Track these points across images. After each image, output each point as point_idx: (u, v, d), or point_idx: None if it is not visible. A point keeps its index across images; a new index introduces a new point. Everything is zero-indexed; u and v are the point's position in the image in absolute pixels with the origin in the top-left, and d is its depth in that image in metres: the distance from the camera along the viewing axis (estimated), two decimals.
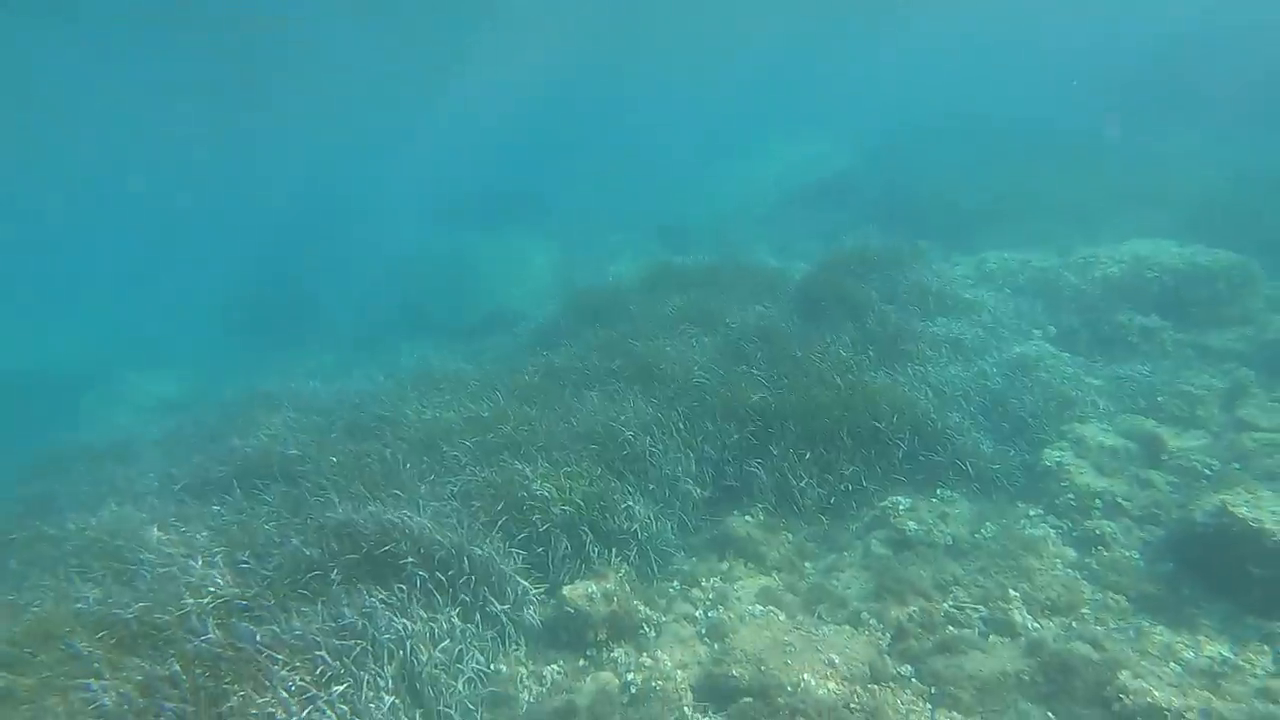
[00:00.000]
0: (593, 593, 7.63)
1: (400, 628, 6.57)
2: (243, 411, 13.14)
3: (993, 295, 13.16)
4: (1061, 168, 20.56)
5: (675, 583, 8.37)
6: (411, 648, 6.54)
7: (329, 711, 5.69)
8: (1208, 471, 8.68)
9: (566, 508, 8.20)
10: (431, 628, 6.83)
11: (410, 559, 7.15)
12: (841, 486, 9.05)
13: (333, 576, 6.96)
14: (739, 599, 7.91)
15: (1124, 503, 8.43)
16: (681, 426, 9.59)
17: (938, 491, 9.09)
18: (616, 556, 8.27)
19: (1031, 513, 8.67)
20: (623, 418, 9.54)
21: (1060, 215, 16.99)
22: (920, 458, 9.32)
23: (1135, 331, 11.65)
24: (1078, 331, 12.24)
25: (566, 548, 8.06)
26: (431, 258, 26.26)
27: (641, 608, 7.73)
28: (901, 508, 8.70)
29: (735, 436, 9.54)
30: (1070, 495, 8.63)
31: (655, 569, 8.46)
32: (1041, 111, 29.58)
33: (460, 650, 6.90)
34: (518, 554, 7.85)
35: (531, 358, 12.91)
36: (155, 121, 45.63)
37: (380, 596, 6.81)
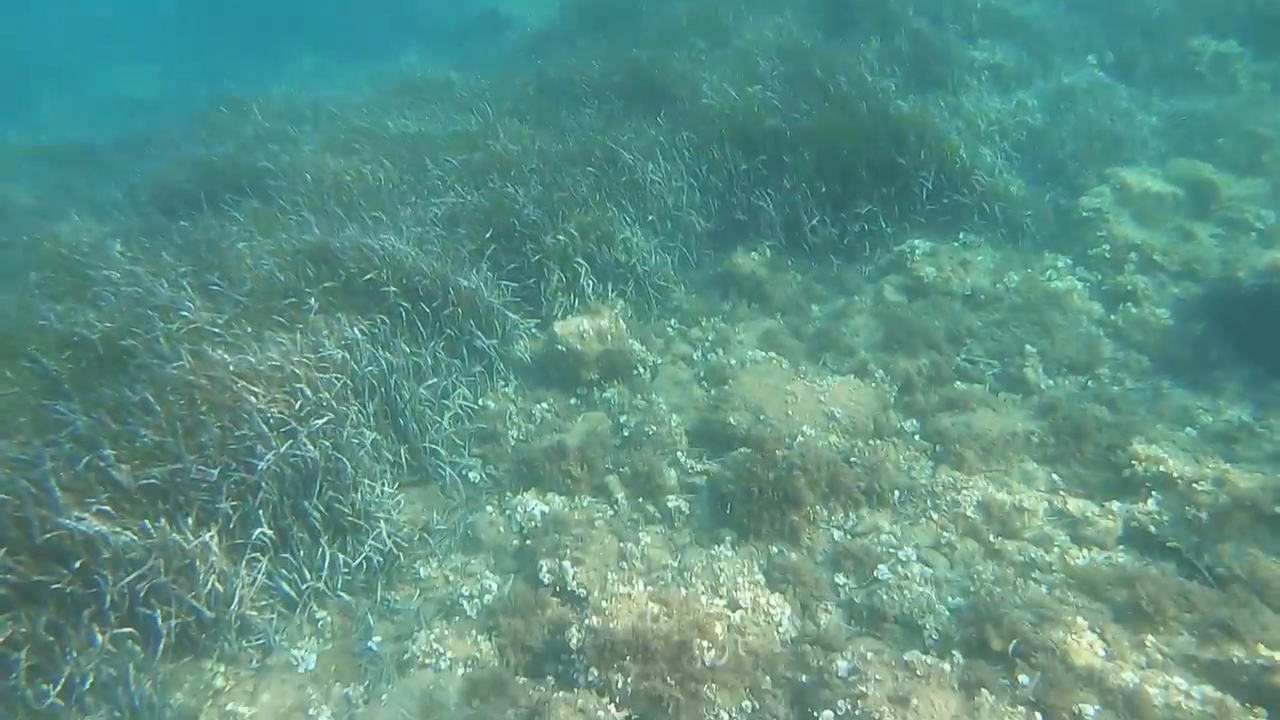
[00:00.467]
0: (585, 330, 7.29)
1: (383, 362, 6.27)
2: (210, 117, 12.16)
3: (1045, 11, 11.68)
4: None
5: (673, 321, 8.04)
6: (396, 383, 6.29)
7: (310, 445, 5.49)
8: (1259, 225, 8.06)
9: (560, 237, 7.66)
10: (415, 362, 6.54)
11: (393, 288, 6.72)
12: (856, 226, 8.45)
13: (310, 304, 6.54)
14: (740, 342, 7.59)
15: (1161, 257, 7.90)
16: (687, 153, 8.80)
17: (960, 236, 8.52)
18: (613, 292, 7.89)
19: (1060, 263, 8.14)
20: (624, 139, 8.73)
21: None
22: (944, 198, 8.63)
23: (1206, 60, 10.43)
24: (1138, 57, 10.94)
25: (560, 280, 7.64)
26: None
27: (637, 346, 7.43)
28: (919, 252, 8.18)
29: (744, 166, 8.79)
30: (1105, 246, 8.07)
31: (653, 306, 8.10)
32: None
33: (445, 386, 6.68)
34: (507, 286, 7.43)
35: (525, 67, 11.76)
36: None
37: (361, 327, 6.44)
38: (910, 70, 9.96)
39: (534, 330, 7.58)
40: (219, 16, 29.68)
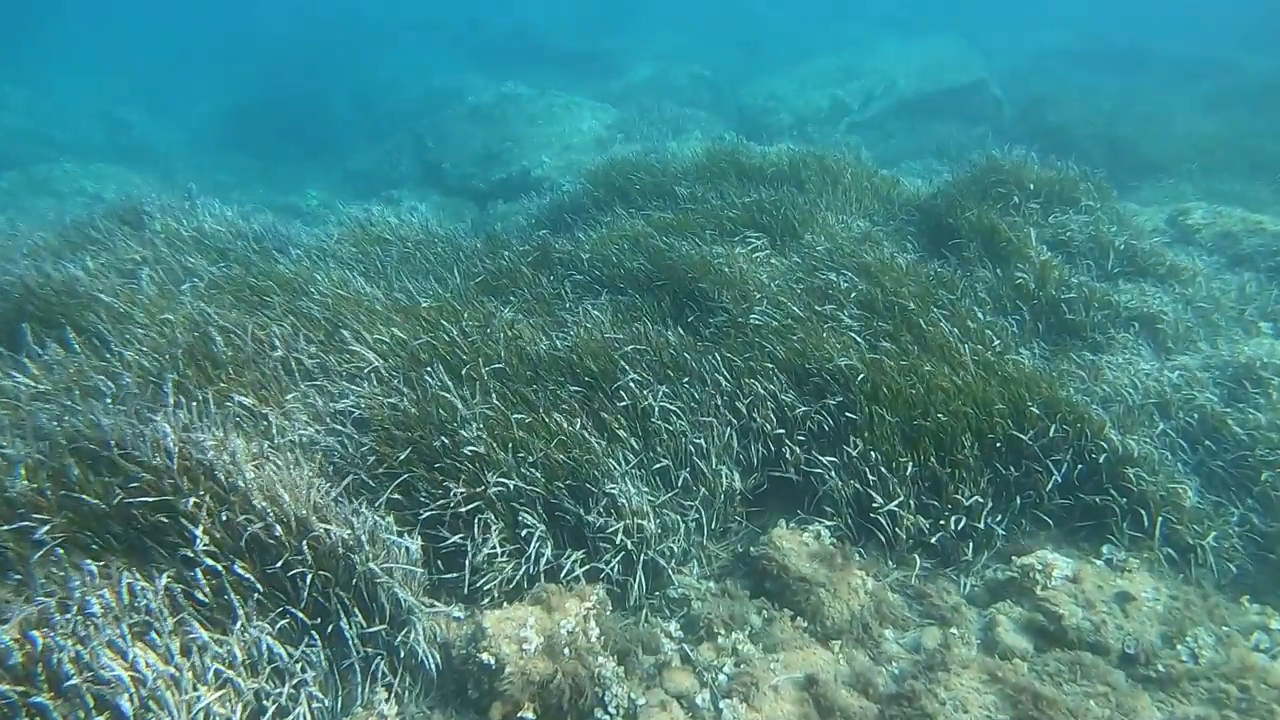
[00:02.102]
0: (528, 634, 4.70)
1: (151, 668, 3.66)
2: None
3: (1202, 263, 9.64)
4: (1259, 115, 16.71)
5: (675, 625, 5.43)
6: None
7: None
8: None
9: (512, 479, 5.21)
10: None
11: (199, 530, 4.20)
12: (955, 519, 5.93)
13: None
14: (774, 688, 4.90)
15: None
16: (723, 380, 6.46)
17: (1104, 552, 5.96)
18: (583, 565, 5.35)
19: (1274, 624, 5.49)
20: (630, 351, 6.44)
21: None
22: (1081, 495, 6.16)
23: None
24: None
25: (502, 542, 5.12)
26: (460, 102, 22.91)
27: (609, 669, 4.77)
28: (1056, 575, 5.58)
29: (801, 410, 6.42)
30: None
31: (646, 594, 5.52)
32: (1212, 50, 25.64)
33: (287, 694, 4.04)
34: (416, 545, 4.90)
35: (530, 236, 9.78)
36: None
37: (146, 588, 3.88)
38: (1035, 312, 7.74)
39: (456, 614, 5.03)
40: (252, 135, 29.66)
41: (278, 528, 4.23)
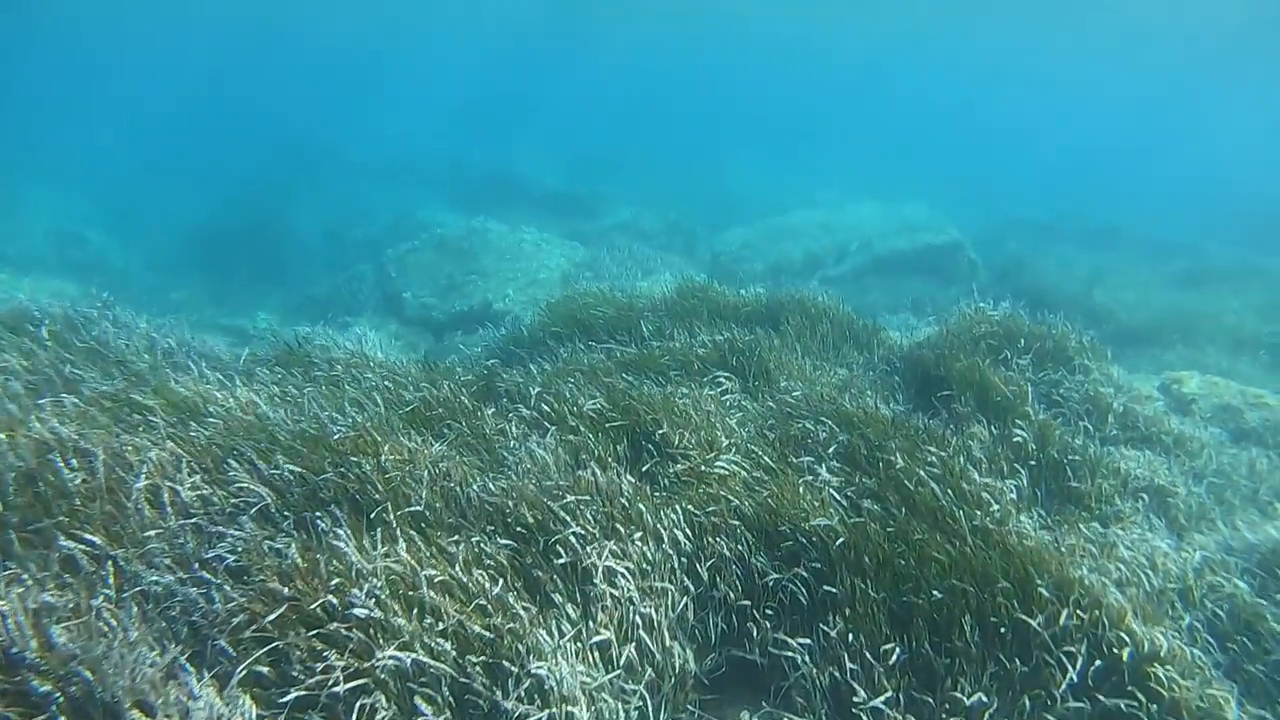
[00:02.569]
0: None
1: None
2: None
3: (1201, 433, 8.99)
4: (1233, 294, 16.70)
5: None
6: None
7: None
8: None
9: (414, 653, 4.19)
10: None
11: None
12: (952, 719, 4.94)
13: None
14: None
15: None
16: (682, 537, 5.53)
17: None
18: None
19: None
20: (569, 502, 5.51)
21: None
22: (1100, 698, 5.20)
23: None
24: None
25: None
26: (427, 233, 22.59)
27: None
28: None
29: (772, 578, 5.49)
30: None
31: None
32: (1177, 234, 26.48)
33: None
34: None
35: (476, 366, 8.98)
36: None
37: None
38: (1035, 476, 6.97)
39: None
40: (214, 257, 29.26)
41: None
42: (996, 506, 6.21)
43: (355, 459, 5.47)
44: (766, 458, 6.65)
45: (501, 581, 4.79)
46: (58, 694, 3.20)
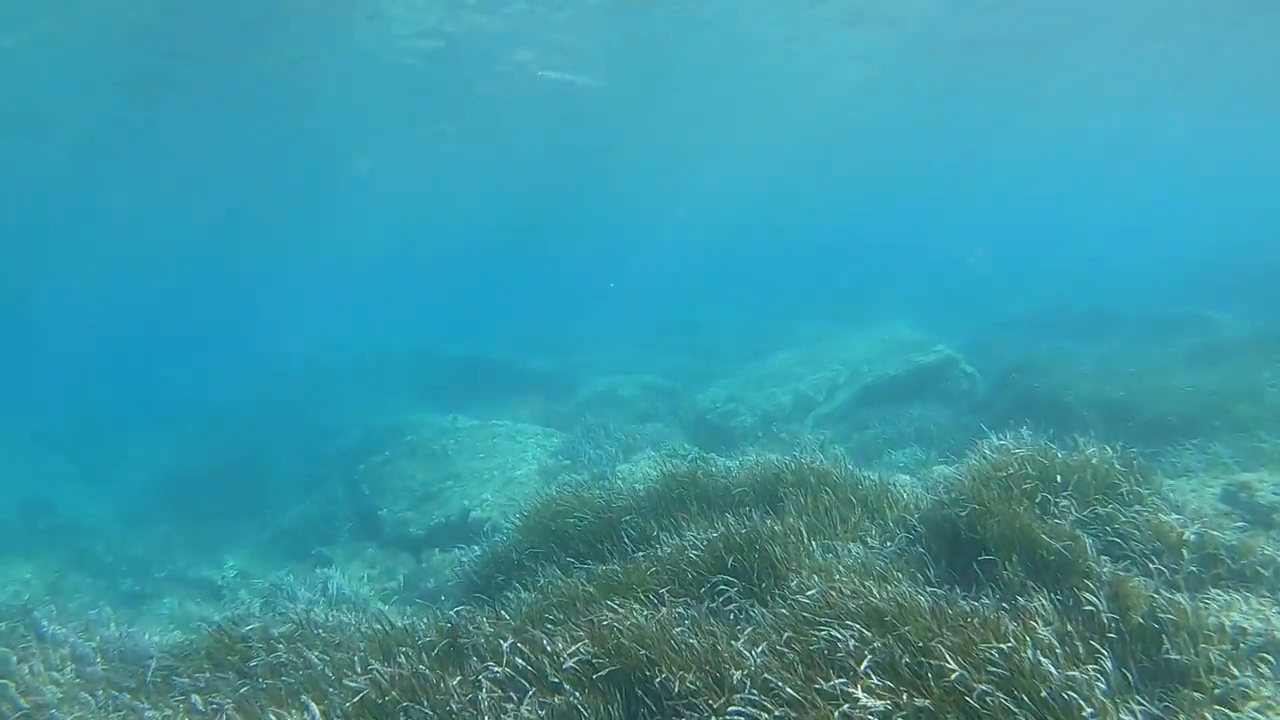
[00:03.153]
0: None
1: None
2: None
3: None
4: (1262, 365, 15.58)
5: None
6: None
7: None
8: None
9: None
10: None
11: None
12: None
13: None
14: None
15: None
16: None
17: None
18: None
19: None
20: None
21: None
22: None
23: None
24: None
25: None
26: (399, 441, 21.66)
27: None
28: None
29: None
30: None
31: None
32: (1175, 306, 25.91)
33: None
34: None
35: (446, 610, 7.76)
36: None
37: None
38: (1120, 653, 5.70)
39: None
40: (186, 499, 28.41)
41: None
42: (1089, 711, 4.95)
43: None
44: (789, 687, 5.41)
45: None
46: None
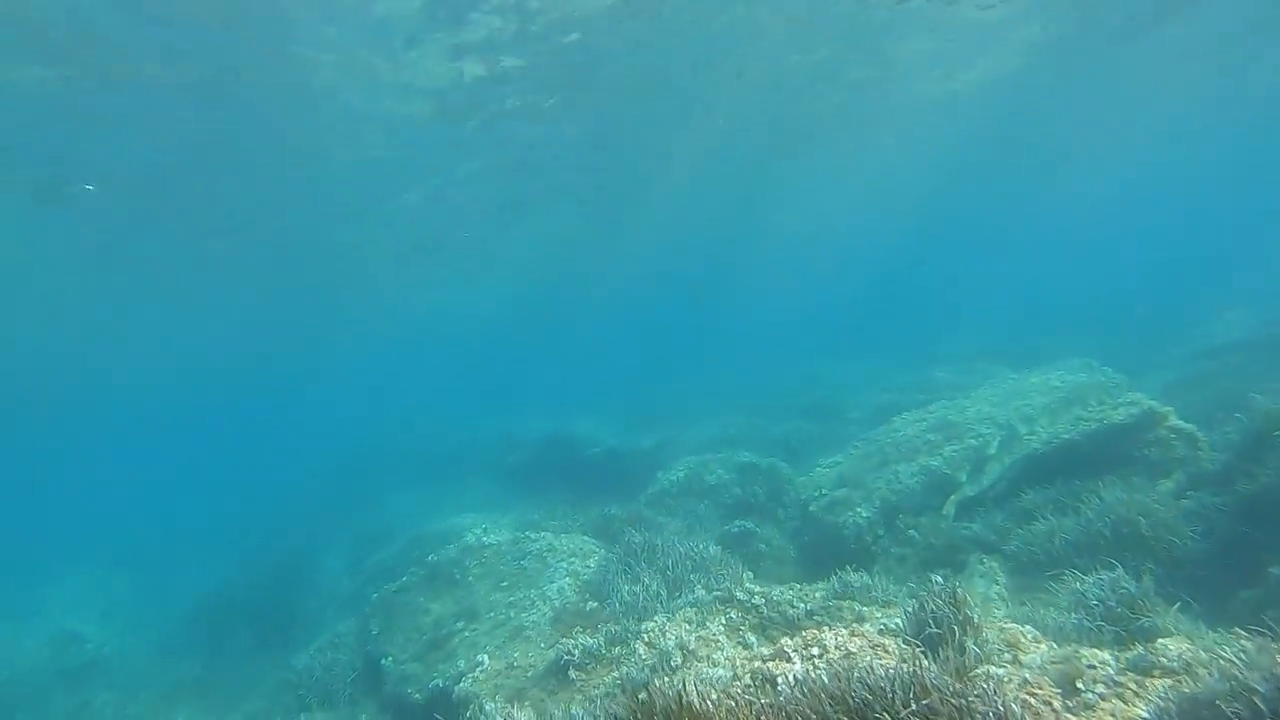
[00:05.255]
0: None
1: None
2: None
3: None
4: None
5: None
6: None
7: None
8: None
9: None
10: None
11: None
12: None
13: None
14: None
15: None
16: None
17: None
18: None
19: None
20: None
21: None
22: None
23: None
24: None
25: None
26: (420, 570, 17.56)
27: None
28: None
29: None
30: None
31: None
32: None
33: None
34: None
35: None
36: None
37: None
38: None
39: None
40: (213, 630, 25.33)
41: None
42: None
43: None
44: None
45: None
46: None
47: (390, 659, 14.53)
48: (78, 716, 19.83)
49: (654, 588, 11.75)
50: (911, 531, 13.77)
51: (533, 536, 15.76)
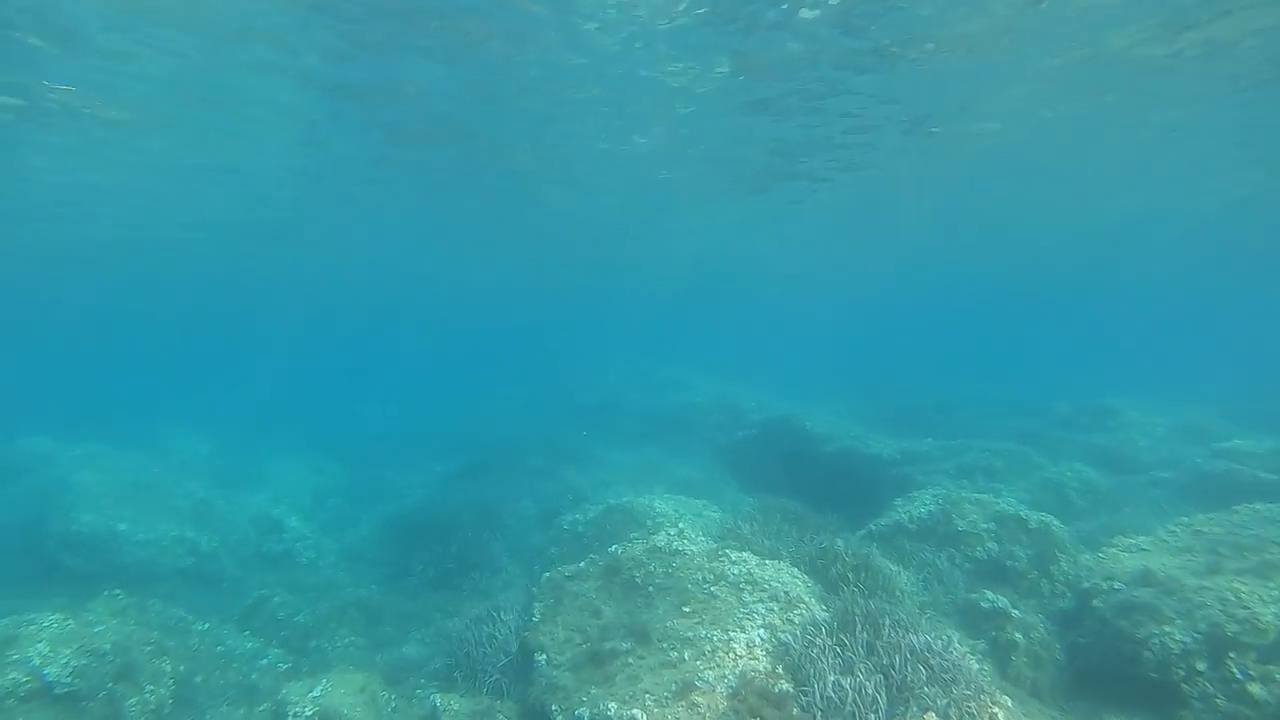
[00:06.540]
0: None
1: None
2: None
3: None
4: None
5: None
6: None
7: None
8: None
9: None
10: None
11: None
12: None
13: None
14: None
15: None
16: None
17: None
18: None
19: None
20: None
21: None
22: None
23: None
24: None
25: None
26: (603, 557, 15.50)
27: None
28: None
29: None
30: None
31: None
32: None
33: None
34: None
35: None
36: None
37: None
38: None
39: None
40: (403, 548, 24.96)
41: None
42: None
43: None
44: None
45: None
46: None
47: (545, 657, 12.53)
48: (256, 610, 19.58)
49: (869, 690, 8.79)
50: (1254, 686, 9.92)
51: (733, 557, 13.12)
